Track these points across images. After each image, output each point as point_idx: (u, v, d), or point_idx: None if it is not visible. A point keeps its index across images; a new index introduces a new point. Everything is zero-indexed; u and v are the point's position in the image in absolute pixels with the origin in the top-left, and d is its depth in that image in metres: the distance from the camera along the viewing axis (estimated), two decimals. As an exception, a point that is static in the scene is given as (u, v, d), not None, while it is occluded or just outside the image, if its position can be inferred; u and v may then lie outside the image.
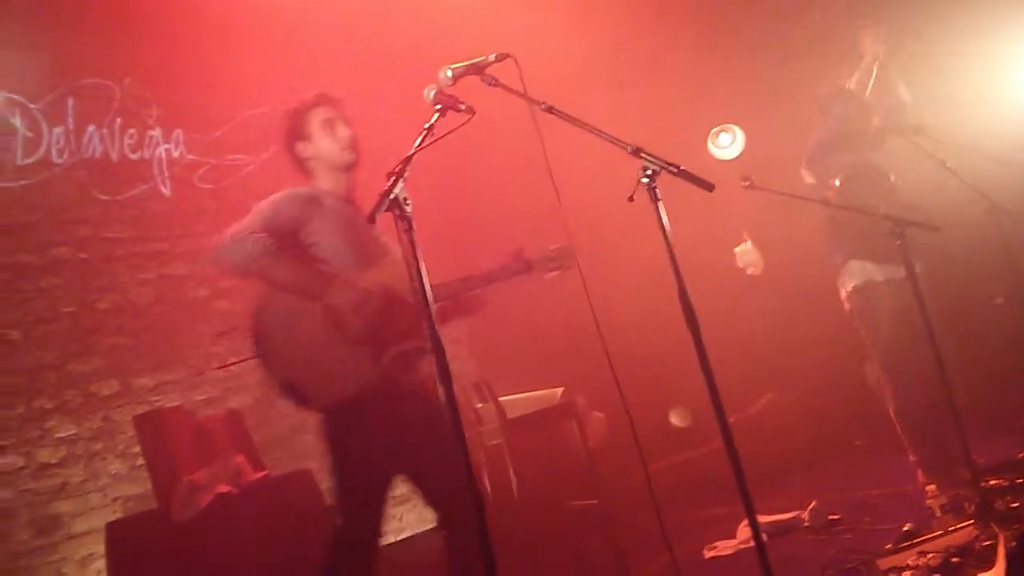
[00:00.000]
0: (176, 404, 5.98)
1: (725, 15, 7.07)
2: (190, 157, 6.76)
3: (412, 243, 2.41)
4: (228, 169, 6.95)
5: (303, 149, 3.55)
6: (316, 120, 3.53)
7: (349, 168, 3.56)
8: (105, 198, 6.33)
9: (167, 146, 6.64)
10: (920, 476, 4.74)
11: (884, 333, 4.80)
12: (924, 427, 4.73)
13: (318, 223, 3.41)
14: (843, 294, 4.99)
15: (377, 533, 3.41)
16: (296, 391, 3.29)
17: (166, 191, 6.59)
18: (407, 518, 7.25)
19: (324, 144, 3.52)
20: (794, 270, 5.99)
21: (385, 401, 3.31)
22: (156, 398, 6.16)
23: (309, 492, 5.25)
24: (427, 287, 2.42)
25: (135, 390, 6.15)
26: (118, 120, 6.45)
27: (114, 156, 6.41)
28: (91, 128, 6.32)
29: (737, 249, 5.82)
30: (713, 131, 6.39)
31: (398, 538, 7.06)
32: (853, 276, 4.89)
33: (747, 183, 4.48)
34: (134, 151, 6.48)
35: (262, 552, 4.67)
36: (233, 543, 4.64)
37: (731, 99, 6.87)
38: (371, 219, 2.35)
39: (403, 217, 2.42)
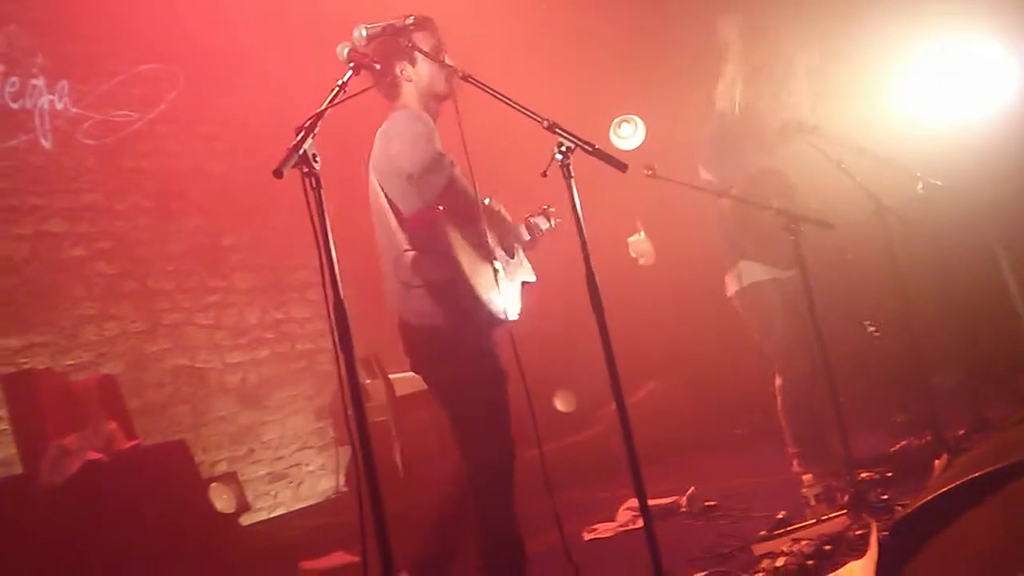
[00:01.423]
0: (46, 367, 5.69)
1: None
2: (74, 110, 6.44)
3: (320, 201, 2.34)
4: (114, 125, 6.66)
5: (404, 70, 3.49)
6: (426, 43, 3.42)
7: (443, 99, 3.52)
8: (-20, 147, 5.98)
9: (51, 97, 6.30)
10: (796, 466, 4.89)
11: (776, 330, 4.94)
12: (807, 420, 4.89)
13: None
14: (732, 291, 5.10)
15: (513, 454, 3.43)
16: (455, 304, 3.32)
17: (47, 144, 6.26)
18: (282, 495, 7.13)
19: (428, 69, 3.46)
20: (686, 262, 6.09)
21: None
22: (23, 360, 5.84)
23: (182, 463, 5.12)
24: (332, 247, 2.35)
25: (1, 350, 5.83)
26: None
27: (-7, 104, 6.06)
28: (-31, 74, 5.96)
29: (631, 239, 5.88)
30: (616, 120, 6.42)
31: (271, 515, 6.95)
32: (744, 275, 5.01)
33: (649, 172, 4.52)
34: (15, 100, 6.12)
35: (131, 521, 4.53)
36: (102, 511, 4.48)
37: (634, 89, 6.94)
38: (278, 174, 2.27)
39: (311, 174, 2.34)
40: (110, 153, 6.61)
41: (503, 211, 3.71)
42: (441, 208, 3.31)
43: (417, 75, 3.49)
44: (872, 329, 6.10)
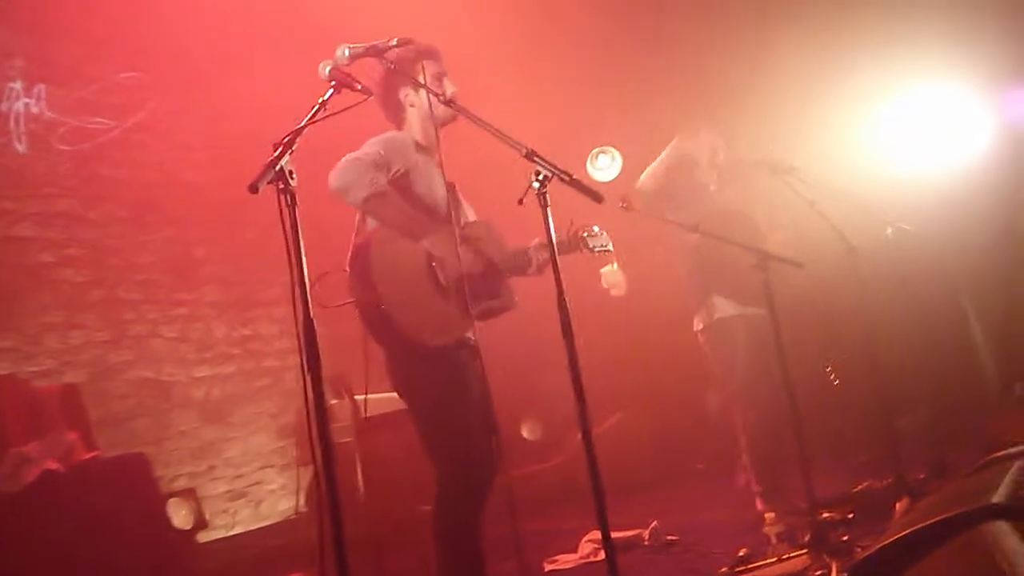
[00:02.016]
0: (8, 372, 5.60)
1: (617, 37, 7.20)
2: (51, 115, 6.37)
3: (294, 218, 2.33)
4: (90, 132, 6.60)
5: (408, 96, 3.63)
6: (429, 71, 3.52)
7: (445, 124, 3.62)
8: (-48, 148, 5.91)
9: (27, 100, 6.24)
10: (759, 504, 4.90)
11: (740, 366, 4.96)
12: (770, 457, 4.91)
13: (412, 168, 3.50)
14: (698, 326, 5.14)
15: (484, 464, 3.43)
16: (386, 324, 3.32)
17: (21, 148, 6.19)
18: (241, 514, 7.04)
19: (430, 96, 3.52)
20: (656, 295, 6.11)
21: (464, 353, 3.48)
22: (-16, 364, 5.77)
23: (141, 476, 5.05)
24: (304, 265, 2.34)
25: (-38, 353, 5.75)
26: (-25, 70, 6.04)
27: (-33, 106, 6.00)
28: (-56, 75, 5.90)
29: (603, 270, 5.89)
30: (593, 152, 6.48)
31: (229, 533, 6.85)
32: (712, 310, 5.04)
33: (624, 204, 4.55)
34: (-10, 102, 6.08)
35: (87, 532, 4.45)
36: (58, 521, 4.40)
37: (612, 123, 7.00)
38: (253, 189, 2.26)
39: (287, 190, 2.34)
40: (85, 160, 6.55)
41: (487, 233, 3.70)
42: (373, 229, 3.41)
43: (420, 100, 3.60)
44: (832, 377, 6.16)
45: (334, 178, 3.31)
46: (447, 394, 3.41)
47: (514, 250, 3.72)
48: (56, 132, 6.40)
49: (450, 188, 3.66)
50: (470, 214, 3.82)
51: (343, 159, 3.34)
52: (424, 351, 3.38)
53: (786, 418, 4.10)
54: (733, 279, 4.81)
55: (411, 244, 3.39)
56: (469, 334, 3.51)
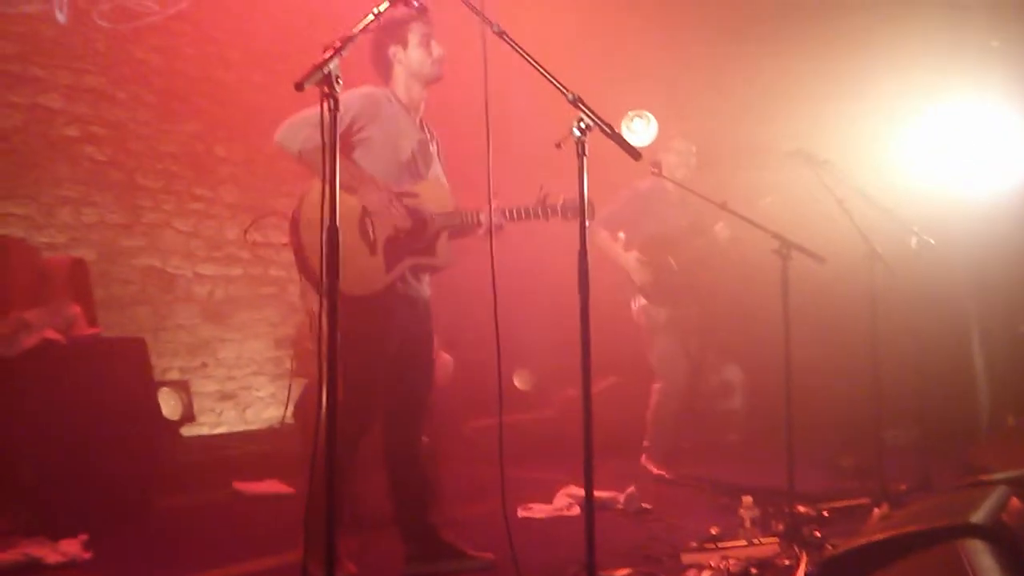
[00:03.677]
0: (20, 237, 5.61)
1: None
2: (96, -12, 6.32)
3: (334, 123, 2.32)
4: (131, 13, 6.52)
5: (396, 53, 3.83)
6: (417, 31, 3.79)
7: (429, 83, 3.88)
8: (-6, 6, 5.84)
9: (75, -30, 6.19)
10: (644, 459, 5.83)
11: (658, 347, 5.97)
12: (668, 423, 5.94)
13: (378, 126, 3.73)
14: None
15: (377, 404, 3.76)
16: (310, 270, 3.54)
17: (61, 17, 6.12)
18: (227, 415, 7.10)
19: (417, 55, 3.80)
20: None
21: (386, 305, 3.69)
22: (-4, 227, 5.77)
23: (138, 360, 5.07)
24: (337, 171, 2.33)
25: (-25, 213, 5.75)
26: (29, -71, 5.97)
27: (15, -34, 5.93)
28: (-3, -69, 5.82)
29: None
30: (629, 114, 6.42)
31: (213, 431, 6.92)
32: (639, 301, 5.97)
33: (655, 170, 4.54)
34: (38, -33, 6.02)
35: (76, 406, 4.49)
36: (51, 390, 4.43)
37: (654, 87, 6.94)
38: (299, 87, 2.25)
39: (331, 95, 2.32)
40: (122, 40, 6.49)
41: (435, 193, 3.86)
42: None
43: (407, 58, 3.82)
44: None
45: (278, 131, 3.62)
46: (361, 339, 3.53)
47: (458, 212, 3.81)
48: (98, 7, 6.34)
49: (423, 145, 3.86)
50: (439, 171, 3.99)
51: (296, 114, 3.60)
52: (344, 298, 3.43)
53: (779, 407, 4.13)
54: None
55: (346, 198, 3.49)
56: (401, 285, 3.73)
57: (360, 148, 3.73)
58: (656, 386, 5.95)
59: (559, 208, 3.72)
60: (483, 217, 3.75)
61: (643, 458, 5.89)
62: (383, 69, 3.87)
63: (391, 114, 3.79)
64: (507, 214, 3.76)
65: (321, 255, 2.37)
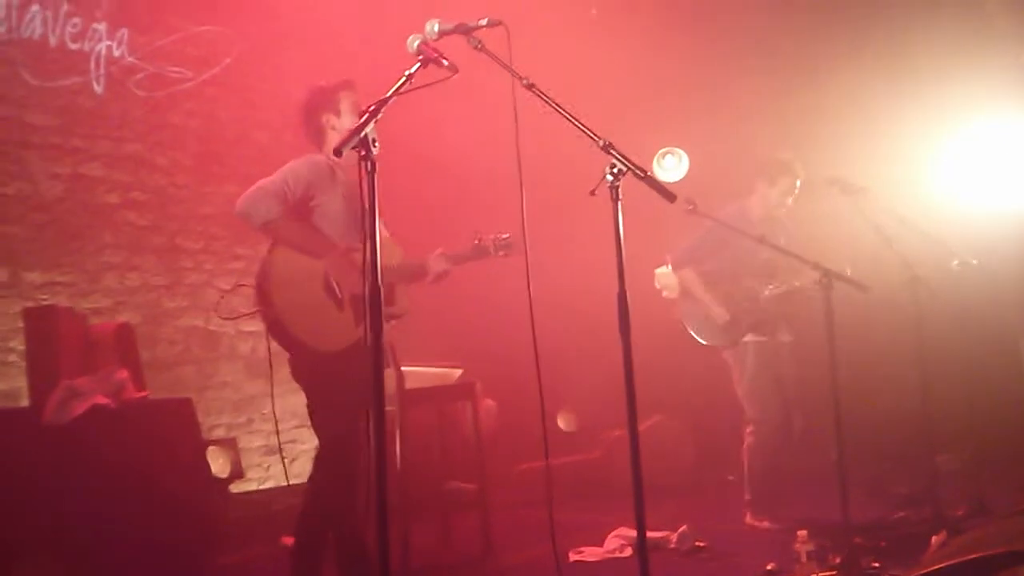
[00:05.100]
0: (67, 306, 5.71)
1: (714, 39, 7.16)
2: (130, 59, 6.48)
3: (372, 186, 2.36)
4: (166, 80, 6.69)
5: (329, 120, 3.99)
6: (347, 100, 3.97)
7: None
8: (34, 82, 6.00)
9: (109, 43, 6.34)
10: (748, 517, 5.36)
11: (746, 385, 5.57)
12: (766, 471, 5.45)
13: (329, 193, 3.88)
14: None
15: (356, 454, 3.85)
16: (283, 333, 3.79)
17: (99, 89, 6.30)
18: (273, 469, 7.13)
19: (349, 122, 3.89)
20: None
21: (359, 357, 3.71)
22: (43, 296, 5.88)
23: (186, 421, 5.14)
24: (377, 231, 2.37)
25: (22, 283, 5.84)
26: (65, 6, 6.13)
27: (53, 41, 6.07)
28: (35, 7, 5.98)
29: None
30: (660, 152, 6.45)
31: (261, 487, 6.95)
32: None
33: (691, 207, 4.55)
34: (75, 41, 6.16)
35: (128, 468, 4.54)
36: (102, 455, 4.49)
37: (684, 123, 6.95)
38: (338, 153, 2.29)
39: (368, 158, 2.37)
40: (158, 107, 6.65)
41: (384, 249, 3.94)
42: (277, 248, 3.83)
43: (340, 124, 3.97)
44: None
45: (240, 203, 3.79)
46: (339, 391, 3.73)
47: (406, 263, 4.07)
48: (133, 77, 6.51)
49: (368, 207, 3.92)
50: (381, 225, 4.03)
51: (254, 186, 3.79)
52: (319, 355, 3.79)
53: (830, 441, 4.09)
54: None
55: (311, 261, 3.79)
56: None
57: (316, 214, 3.89)
58: (748, 430, 5.53)
59: (490, 248, 4.13)
60: (428, 266, 4.04)
61: (747, 516, 5.42)
62: (315, 136, 4.04)
63: (336, 179, 3.94)
64: (448, 259, 4.07)
65: (365, 312, 2.39)
